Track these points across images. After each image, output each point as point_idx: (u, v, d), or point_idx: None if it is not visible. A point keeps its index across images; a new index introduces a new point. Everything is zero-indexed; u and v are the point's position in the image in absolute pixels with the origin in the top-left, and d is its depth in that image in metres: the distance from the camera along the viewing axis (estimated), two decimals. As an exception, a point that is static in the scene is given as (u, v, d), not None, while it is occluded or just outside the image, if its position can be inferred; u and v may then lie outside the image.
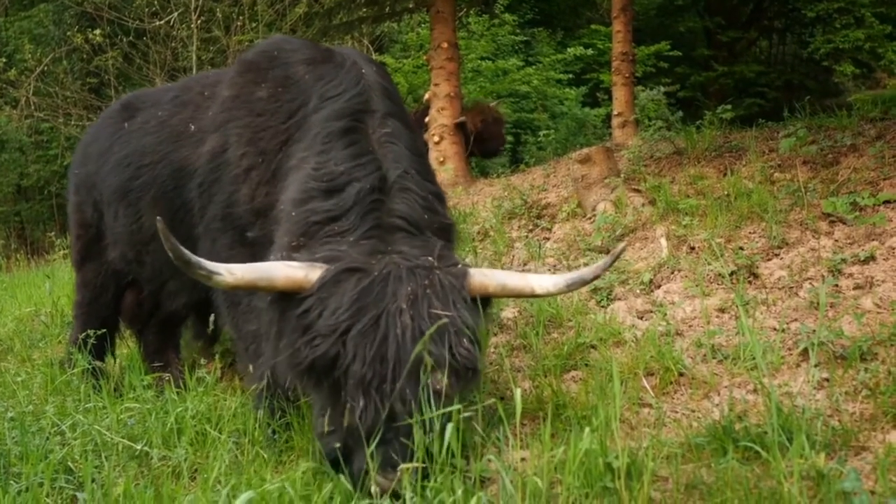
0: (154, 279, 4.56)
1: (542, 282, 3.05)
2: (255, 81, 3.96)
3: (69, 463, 3.18)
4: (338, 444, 2.70)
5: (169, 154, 4.21)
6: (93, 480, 2.94)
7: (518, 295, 3.16)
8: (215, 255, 3.81)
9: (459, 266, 2.98)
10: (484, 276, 2.98)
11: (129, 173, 4.40)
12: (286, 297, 2.85)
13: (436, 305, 2.76)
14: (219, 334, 4.90)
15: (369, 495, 2.56)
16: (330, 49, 3.99)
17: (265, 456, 3.22)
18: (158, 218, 2.70)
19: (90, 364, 4.28)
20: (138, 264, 4.57)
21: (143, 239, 4.40)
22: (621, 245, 2.98)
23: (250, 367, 3.78)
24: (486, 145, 11.08)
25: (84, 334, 4.39)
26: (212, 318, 3.96)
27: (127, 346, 5.46)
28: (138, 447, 3.31)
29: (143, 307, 4.94)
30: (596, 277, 3.07)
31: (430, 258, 2.93)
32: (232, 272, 2.79)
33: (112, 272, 4.77)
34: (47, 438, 3.37)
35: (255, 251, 3.69)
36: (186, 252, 2.72)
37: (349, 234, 3.04)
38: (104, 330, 4.63)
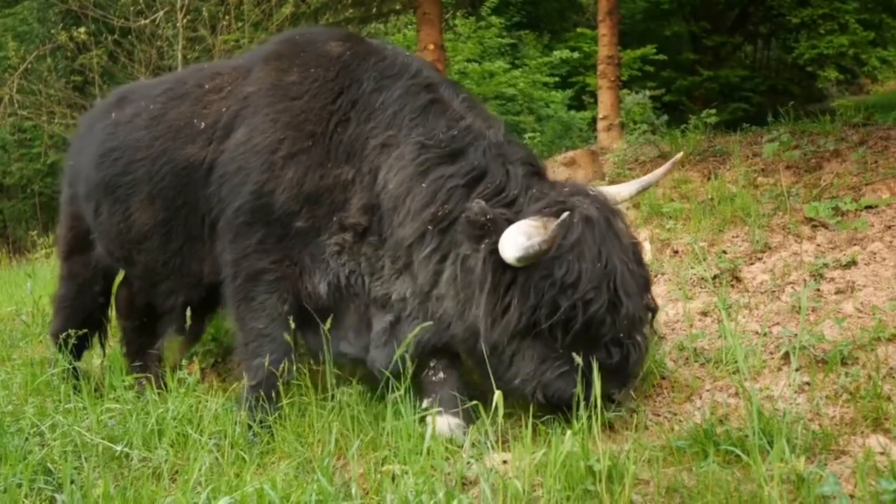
0: (146, 278, 4.40)
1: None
2: (280, 69, 3.88)
3: (48, 464, 3.15)
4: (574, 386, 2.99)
5: (169, 150, 4.00)
6: (72, 482, 2.92)
7: None
8: (239, 252, 3.71)
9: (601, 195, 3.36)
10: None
11: (119, 168, 4.17)
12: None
13: (627, 249, 3.21)
14: (202, 332, 4.85)
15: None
16: (351, 32, 4.00)
17: (246, 458, 3.20)
18: None
19: (71, 364, 4.24)
20: (127, 263, 4.36)
21: (135, 238, 4.19)
22: (678, 155, 3.49)
23: (245, 363, 3.78)
24: None
25: (66, 332, 4.31)
26: (188, 312, 3.91)
27: (109, 346, 5.41)
28: (118, 448, 3.28)
29: (136, 304, 4.80)
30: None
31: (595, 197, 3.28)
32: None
33: (101, 266, 4.59)
34: (26, 439, 3.34)
35: (293, 244, 3.64)
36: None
37: (510, 187, 3.29)
38: (86, 327, 4.55)
